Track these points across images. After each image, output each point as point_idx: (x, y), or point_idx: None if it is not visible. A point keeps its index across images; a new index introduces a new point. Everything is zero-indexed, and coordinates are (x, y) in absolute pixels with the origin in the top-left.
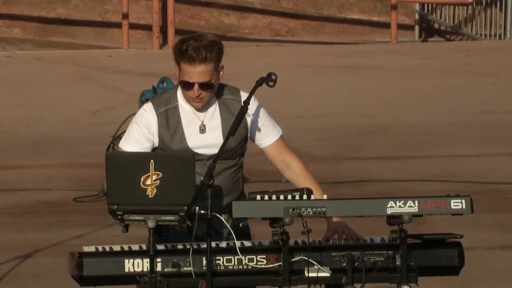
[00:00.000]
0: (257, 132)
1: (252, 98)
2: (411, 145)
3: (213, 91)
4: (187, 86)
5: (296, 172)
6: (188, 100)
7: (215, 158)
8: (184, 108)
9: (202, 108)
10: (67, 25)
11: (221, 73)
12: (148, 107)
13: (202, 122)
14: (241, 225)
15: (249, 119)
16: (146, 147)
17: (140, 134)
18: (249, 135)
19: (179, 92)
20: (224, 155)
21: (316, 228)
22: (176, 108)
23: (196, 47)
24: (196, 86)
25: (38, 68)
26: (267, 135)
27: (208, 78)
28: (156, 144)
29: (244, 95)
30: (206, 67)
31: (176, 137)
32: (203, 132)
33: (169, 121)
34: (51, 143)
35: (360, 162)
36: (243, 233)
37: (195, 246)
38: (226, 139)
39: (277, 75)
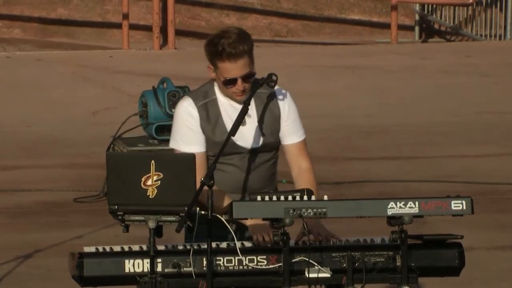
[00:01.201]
0: (286, 127)
1: (289, 94)
2: (411, 145)
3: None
4: (231, 83)
5: (302, 174)
6: (231, 96)
7: (215, 158)
8: (222, 101)
9: (241, 102)
10: (68, 26)
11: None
12: (187, 101)
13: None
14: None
15: (284, 114)
16: (202, 141)
17: (190, 130)
18: (280, 129)
19: (216, 87)
20: (262, 148)
21: None
22: (215, 101)
23: (231, 43)
24: (239, 81)
25: (39, 69)
26: (291, 134)
27: (248, 69)
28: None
29: (278, 90)
30: (244, 60)
31: (218, 129)
32: (244, 124)
33: (209, 114)
34: (51, 143)
35: (361, 162)
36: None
37: (195, 247)
38: (226, 140)
39: (277, 76)
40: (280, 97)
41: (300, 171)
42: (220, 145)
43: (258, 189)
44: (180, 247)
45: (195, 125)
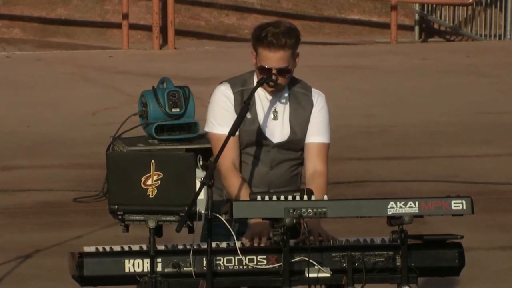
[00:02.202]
0: (312, 126)
1: (324, 97)
2: (411, 145)
3: (289, 78)
4: (265, 71)
5: (314, 176)
6: (265, 86)
7: (215, 159)
8: (259, 91)
9: (276, 95)
10: (67, 26)
11: (296, 60)
12: (225, 85)
13: (275, 109)
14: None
15: (313, 113)
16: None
17: (228, 112)
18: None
19: (255, 76)
20: (288, 145)
21: None
22: (251, 90)
23: (276, 33)
24: (274, 72)
25: (38, 69)
26: (316, 134)
27: (286, 64)
28: None
29: (315, 92)
30: (284, 53)
31: (250, 118)
32: (276, 119)
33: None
34: (51, 143)
35: (361, 162)
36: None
37: (195, 247)
38: (226, 139)
39: (277, 76)
40: (315, 97)
41: (314, 173)
42: (249, 133)
43: (280, 186)
44: (180, 247)
45: (231, 107)
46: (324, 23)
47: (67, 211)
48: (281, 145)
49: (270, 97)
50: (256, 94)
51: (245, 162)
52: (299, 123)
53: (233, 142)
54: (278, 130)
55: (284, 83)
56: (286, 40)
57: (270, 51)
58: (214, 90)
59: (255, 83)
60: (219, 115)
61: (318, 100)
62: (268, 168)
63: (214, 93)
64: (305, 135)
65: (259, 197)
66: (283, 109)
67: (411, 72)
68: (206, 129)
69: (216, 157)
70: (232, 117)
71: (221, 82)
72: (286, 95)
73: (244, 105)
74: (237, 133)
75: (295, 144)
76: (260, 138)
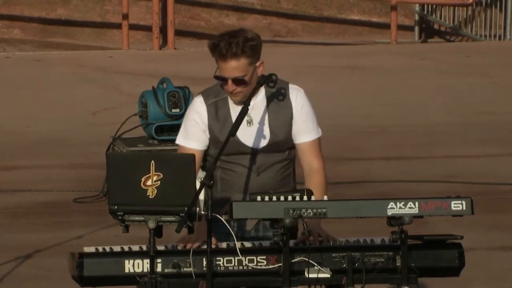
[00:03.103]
0: (299, 126)
1: (303, 92)
2: (411, 145)
3: (248, 87)
4: (220, 80)
5: (311, 174)
6: (228, 94)
7: (215, 159)
8: (231, 101)
9: (247, 101)
10: (67, 26)
11: (260, 68)
12: (199, 99)
13: (249, 115)
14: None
15: (296, 112)
16: (205, 142)
17: (197, 128)
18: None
19: None
20: (272, 148)
21: None
22: (225, 100)
23: (228, 42)
24: (229, 82)
25: (38, 69)
26: (303, 133)
27: (241, 73)
28: (208, 135)
29: (293, 88)
30: (238, 62)
31: (226, 129)
32: (250, 124)
33: (219, 113)
34: (51, 143)
35: (360, 162)
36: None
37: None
38: (226, 140)
39: (277, 76)
40: (293, 95)
41: (311, 171)
42: (229, 144)
43: (273, 190)
44: (180, 248)
45: (200, 122)
46: (324, 23)
47: (67, 211)
48: (264, 150)
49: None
50: (229, 102)
51: (232, 170)
52: (280, 124)
53: (197, 155)
54: (257, 136)
55: (245, 92)
56: (237, 50)
57: (222, 60)
58: (190, 104)
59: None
60: (189, 130)
61: (297, 97)
62: (255, 174)
63: (189, 106)
64: (289, 134)
65: (259, 198)
66: (261, 113)
67: (411, 73)
68: (177, 140)
69: (216, 158)
70: (198, 132)
71: (198, 93)
72: (261, 98)
73: (244, 105)
74: (201, 148)
75: (279, 146)
76: (240, 147)
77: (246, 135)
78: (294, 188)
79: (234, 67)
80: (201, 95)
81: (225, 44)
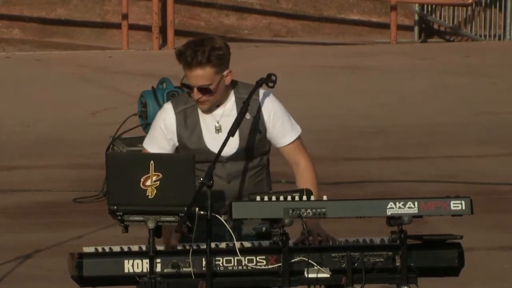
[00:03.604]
0: (275, 131)
1: (272, 96)
2: (410, 145)
3: (214, 95)
4: (186, 88)
5: (300, 172)
6: (195, 102)
7: (214, 159)
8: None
9: (214, 109)
10: (67, 26)
11: (228, 77)
12: (168, 106)
13: (218, 122)
14: (264, 229)
15: (268, 118)
16: (167, 149)
17: (161, 135)
18: (267, 134)
19: None
20: (241, 155)
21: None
22: (195, 108)
23: (194, 51)
24: (195, 90)
25: (38, 69)
26: (285, 135)
27: (207, 82)
28: (177, 144)
29: (263, 93)
30: (203, 71)
31: (194, 136)
32: (219, 132)
33: (187, 120)
34: (50, 143)
35: (360, 162)
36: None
37: (194, 247)
38: (225, 141)
39: (277, 76)
40: (263, 101)
41: (299, 169)
42: (196, 153)
43: (241, 197)
44: (180, 248)
45: (165, 130)
46: (324, 23)
47: (66, 211)
48: (233, 158)
49: (214, 111)
50: (198, 110)
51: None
52: (250, 131)
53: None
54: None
55: (213, 100)
56: (202, 59)
57: (188, 69)
58: (160, 110)
59: None
60: (154, 135)
61: (265, 101)
62: (225, 182)
63: (159, 112)
64: (259, 141)
65: (258, 198)
66: (230, 120)
67: (411, 72)
68: (144, 145)
69: (215, 159)
70: (161, 140)
71: (168, 101)
72: (231, 105)
73: (244, 105)
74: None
75: (249, 153)
76: (209, 156)
77: (215, 143)
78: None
79: (200, 75)
80: (170, 103)
81: (191, 53)
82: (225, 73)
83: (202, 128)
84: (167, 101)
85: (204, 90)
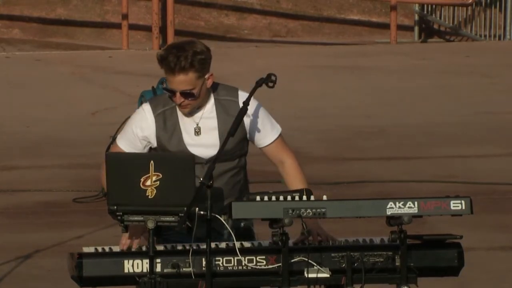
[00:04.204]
0: (256, 132)
1: (252, 98)
2: (410, 145)
3: (197, 99)
4: (169, 92)
5: (286, 170)
6: (177, 106)
7: (214, 159)
8: (179, 110)
9: (195, 111)
10: (67, 26)
11: (209, 81)
12: (146, 108)
13: (197, 124)
14: (242, 224)
15: (247, 119)
16: (138, 148)
17: (133, 135)
18: (248, 136)
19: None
20: (221, 157)
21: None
22: (174, 109)
23: (176, 56)
24: (178, 94)
25: (38, 69)
26: (266, 136)
27: (190, 87)
28: (155, 145)
29: (242, 95)
30: (186, 76)
31: (174, 138)
32: (198, 134)
33: (167, 123)
34: (50, 143)
35: (360, 162)
36: (246, 234)
37: (194, 247)
38: (225, 141)
39: (276, 76)
40: (242, 100)
41: (284, 167)
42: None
43: (222, 198)
44: (179, 248)
45: (140, 133)
46: (324, 23)
47: (66, 211)
48: (213, 158)
49: (194, 114)
50: (178, 112)
51: None
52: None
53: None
54: (206, 145)
55: (194, 103)
56: (185, 64)
57: (170, 74)
58: (138, 109)
59: None
60: (127, 133)
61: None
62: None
63: (135, 114)
64: (239, 143)
65: (258, 198)
66: (210, 122)
67: (411, 72)
68: (117, 140)
69: (215, 159)
70: (138, 140)
71: (146, 102)
72: (210, 107)
73: (244, 105)
74: (132, 150)
75: (229, 155)
76: None
77: (196, 144)
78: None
79: (182, 80)
80: (149, 104)
81: (173, 58)
82: (206, 76)
83: (182, 130)
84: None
85: (187, 94)
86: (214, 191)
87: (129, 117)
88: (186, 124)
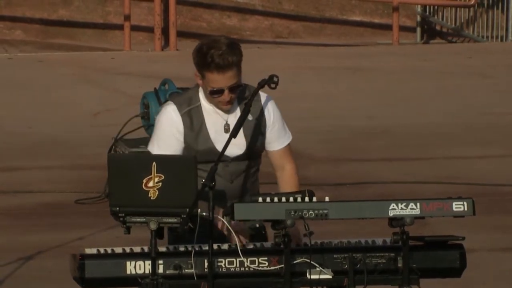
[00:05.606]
0: (270, 135)
1: (272, 100)
2: (412, 146)
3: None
4: (217, 93)
5: (284, 177)
6: (217, 104)
7: (217, 159)
8: (207, 108)
9: (248, 102)
10: (69, 27)
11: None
12: (171, 107)
13: (227, 122)
14: (257, 225)
15: (269, 120)
16: (175, 148)
17: (171, 137)
18: (266, 136)
19: (201, 92)
20: (245, 156)
21: (318, 230)
22: (199, 108)
23: (220, 54)
24: (226, 92)
25: (40, 70)
26: (277, 140)
27: (235, 80)
28: (183, 144)
29: (263, 97)
30: (233, 71)
31: (201, 137)
32: (228, 131)
33: (193, 121)
34: (52, 145)
35: (362, 164)
36: (259, 236)
37: (196, 248)
38: (227, 142)
39: (279, 77)
40: (265, 103)
41: (284, 174)
42: (203, 154)
43: (240, 197)
44: (182, 249)
45: (176, 134)
46: (326, 25)
47: (68, 212)
48: (239, 158)
49: (219, 111)
50: (203, 110)
51: (203, 179)
52: (254, 134)
53: None
54: (233, 144)
55: (235, 98)
56: (232, 58)
57: (219, 73)
58: (162, 110)
59: (201, 100)
60: (163, 141)
61: (268, 105)
62: (228, 182)
63: (160, 116)
64: (261, 143)
65: (260, 199)
66: (234, 121)
67: (413, 74)
68: (149, 148)
69: (218, 158)
70: (174, 143)
71: (167, 101)
72: (235, 106)
73: (246, 107)
74: (182, 149)
75: (253, 154)
76: (215, 156)
77: (223, 142)
78: (257, 191)
79: (230, 76)
80: (173, 104)
81: (219, 57)
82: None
83: (208, 128)
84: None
85: (234, 88)
86: (235, 189)
87: (131, 118)
88: (213, 122)
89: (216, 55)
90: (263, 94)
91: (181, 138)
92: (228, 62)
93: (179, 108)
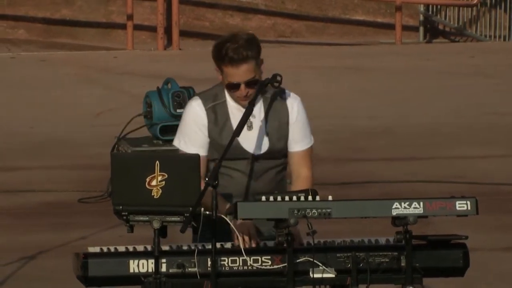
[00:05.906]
0: (292, 135)
1: (299, 100)
2: (415, 146)
3: (257, 87)
4: (234, 87)
5: (299, 181)
6: (236, 100)
7: (220, 158)
8: (231, 104)
9: (252, 101)
10: (72, 26)
11: (262, 66)
12: (196, 102)
13: (249, 119)
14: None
15: (292, 120)
16: (203, 144)
17: (196, 131)
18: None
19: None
20: (269, 154)
21: (321, 229)
22: (224, 104)
23: (235, 48)
24: (242, 86)
25: (43, 69)
26: (299, 141)
27: (252, 75)
28: (208, 139)
29: (289, 95)
30: (248, 65)
31: (225, 132)
32: (251, 128)
33: (218, 117)
34: (55, 144)
35: (365, 163)
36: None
37: (199, 247)
38: (231, 140)
39: (281, 76)
40: (290, 102)
41: (298, 178)
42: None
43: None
44: (185, 248)
45: (201, 128)
46: (329, 24)
47: (71, 211)
48: (262, 156)
49: (242, 109)
50: (228, 107)
51: (228, 175)
52: (278, 132)
53: (201, 160)
54: (256, 142)
55: (253, 93)
56: (247, 53)
57: (233, 67)
58: (187, 105)
59: (226, 96)
60: (188, 135)
61: (294, 105)
62: (252, 180)
63: (186, 109)
64: (285, 142)
65: (263, 198)
66: (258, 118)
67: (416, 73)
68: (175, 143)
69: (221, 157)
70: (200, 138)
71: (194, 96)
72: (259, 103)
73: (249, 105)
74: (205, 153)
75: (276, 153)
76: (239, 152)
77: (247, 140)
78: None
79: (245, 70)
80: (198, 98)
81: (234, 50)
82: (260, 63)
83: (232, 124)
84: (172, 101)
85: (251, 83)
86: (259, 188)
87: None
88: (237, 119)
89: (231, 48)
90: (292, 94)
91: (206, 132)
92: (243, 56)
93: (204, 103)
